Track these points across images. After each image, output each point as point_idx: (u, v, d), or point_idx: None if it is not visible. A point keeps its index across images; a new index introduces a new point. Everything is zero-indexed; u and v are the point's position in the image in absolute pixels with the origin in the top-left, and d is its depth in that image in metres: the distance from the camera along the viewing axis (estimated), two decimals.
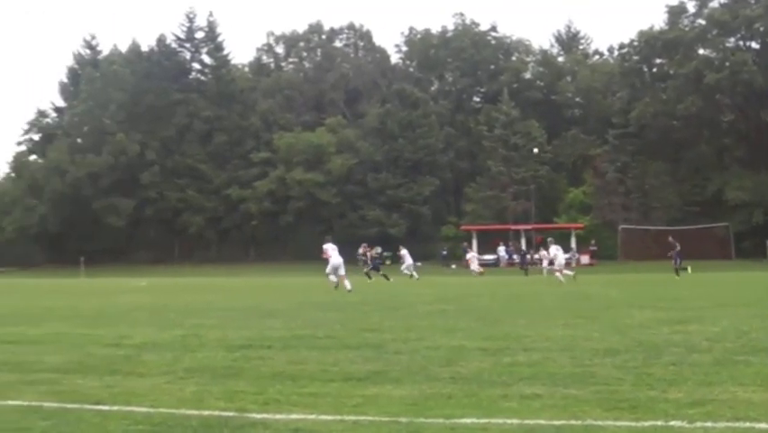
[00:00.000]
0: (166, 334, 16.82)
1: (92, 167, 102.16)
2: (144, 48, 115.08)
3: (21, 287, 52.04)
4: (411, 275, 53.85)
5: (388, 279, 48.50)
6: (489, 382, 10.10)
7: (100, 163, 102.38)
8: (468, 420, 8.03)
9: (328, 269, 37.86)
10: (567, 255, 60.61)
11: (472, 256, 64.33)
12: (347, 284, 35.81)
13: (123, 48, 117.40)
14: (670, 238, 53.79)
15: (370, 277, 48.54)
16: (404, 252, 57.64)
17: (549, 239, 51.10)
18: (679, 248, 51.45)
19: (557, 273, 44.50)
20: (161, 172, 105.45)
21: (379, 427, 7.91)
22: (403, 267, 56.51)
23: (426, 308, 23.85)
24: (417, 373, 10.90)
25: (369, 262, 51.71)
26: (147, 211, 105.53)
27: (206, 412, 8.55)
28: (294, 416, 8.35)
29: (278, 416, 8.35)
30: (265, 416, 8.35)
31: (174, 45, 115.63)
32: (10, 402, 9.35)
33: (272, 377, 10.83)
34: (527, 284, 42.05)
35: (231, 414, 8.46)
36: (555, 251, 46.96)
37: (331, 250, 38.67)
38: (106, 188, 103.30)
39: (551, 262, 49.97)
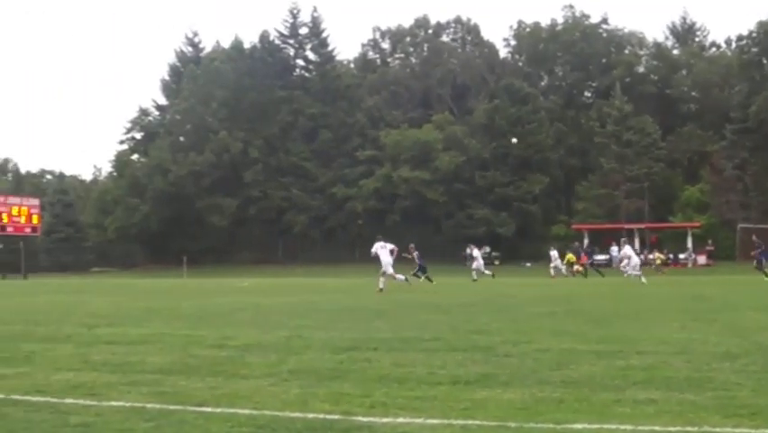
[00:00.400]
0: (270, 335, 16.93)
1: (194, 165, 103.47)
2: (247, 44, 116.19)
3: (123, 287, 52.81)
4: (476, 277, 53.84)
5: (431, 281, 48.17)
6: (602, 386, 9.99)
7: (202, 162, 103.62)
8: (579, 426, 7.95)
9: (384, 267, 38.33)
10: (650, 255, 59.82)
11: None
12: (381, 282, 37.39)
13: (226, 44, 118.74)
14: (753, 237, 52.88)
15: (418, 277, 48.22)
16: (476, 252, 57.46)
17: (623, 239, 51.09)
18: (763, 248, 50.68)
19: (632, 273, 44.73)
20: (265, 171, 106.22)
21: (488, 431, 7.87)
22: (474, 266, 56.22)
23: (535, 309, 23.68)
24: (527, 377, 10.82)
25: (416, 261, 51.30)
26: (250, 210, 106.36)
27: (311, 415, 8.57)
28: (400, 420, 8.33)
29: (384, 419, 8.35)
30: (371, 419, 8.36)
31: (277, 41, 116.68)
32: (113, 403, 9.47)
33: (378, 380, 10.83)
34: (634, 286, 41.44)
35: (336, 417, 8.48)
36: (628, 251, 46.96)
37: (380, 249, 39.25)
38: (209, 186, 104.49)
39: (621, 261, 49.88)
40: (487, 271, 55.48)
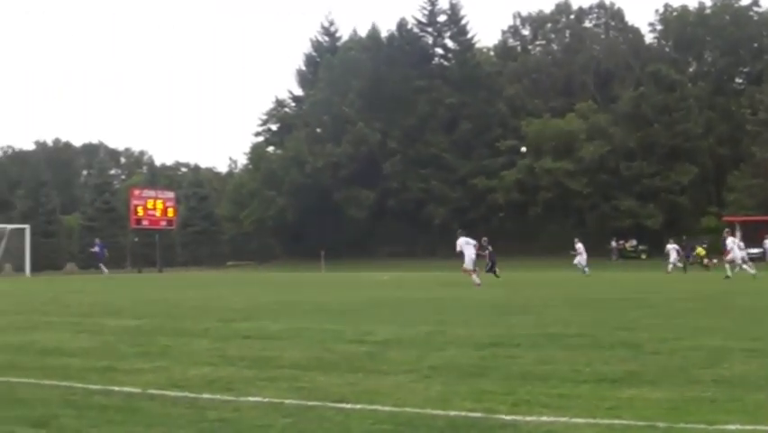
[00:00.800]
0: (410, 330, 16.99)
1: (331, 157, 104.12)
2: (384, 33, 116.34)
3: (259, 281, 53.51)
4: (583, 270, 53.25)
5: (497, 276, 47.61)
6: (756, 386, 9.82)
7: (340, 153, 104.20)
8: (732, 427, 7.84)
9: (466, 264, 39.16)
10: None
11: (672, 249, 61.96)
12: (476, 278, 38.66)
13: (363, 33, 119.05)
14: None
15: (496, 275, 47.58)
16: (579, 245, 56.43)
17: (726, 230, 50.28)
18: None
19: (738, 267, 44.54)
20: (403, 162, 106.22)
21: (635, 431, 7.80)
22: (575, 261, 55.37)
23: (684, 305, 23.37)
24: (676, 375, 10.70)
25: (488, 258, 50.47)
26: (389, 202, 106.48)
27: (453, 413, 8.59)
28: (544, 418, 8.31)
29: (528, 418, 8.33)
30: (514, 418, 8.34)
31: (415, 29, 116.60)
32: (250, 399, 9.63)
33: (521, 377, 10.81)
34: None
35: (478, 415, 8.48)
36: (731, 244, 46.41)
37: (465, 244, 39.85)
38: (346, 178, 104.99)
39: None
40: (586, 269, 54.17)
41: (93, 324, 19.94)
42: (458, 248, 39.89)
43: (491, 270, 48.01)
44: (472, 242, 40.31)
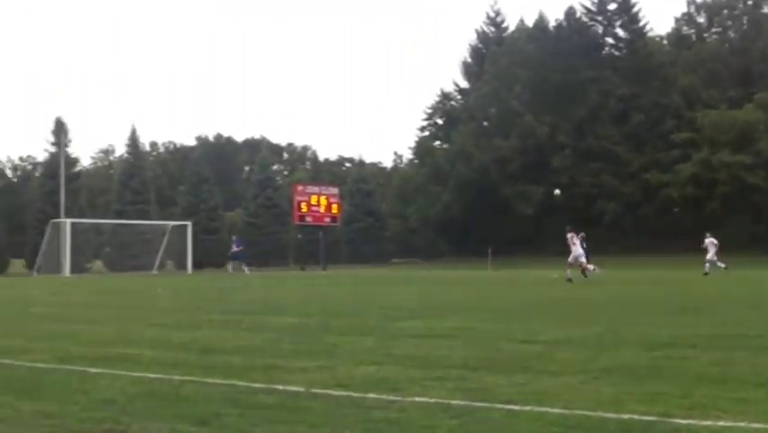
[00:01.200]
0: (581, 330, 16.89)
1: (499, 151, 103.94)
2: (552, 22, 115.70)
3: (424, 278, 53.71)
4: (707, 270, 51.26)
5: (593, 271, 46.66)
6: None
7: (507, 147, 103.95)
8: None
9: (570, 258, 41.53)
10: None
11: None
12: (591, 267, 41.58)
13: (530, 23, 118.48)
14: None
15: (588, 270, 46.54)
16: (708, 240, 53.84)
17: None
18: None
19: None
20: (573, 156, 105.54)
21: None
22: (708, 257, 53.04)
23: None
24: None
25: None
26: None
27: (625, 416, 8.48)
28: (722, 423, 8.15)
29: (705, 422, 8.18)
30: (690, 422, 8.20)
31: (584, 18, 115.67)
32: (416, 399, 9.64)
33: (697, 379, 10.64)
34: None
35: (652, 418, 8.36)
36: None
37: (576, 239, 42.11)
38: (514, 173, 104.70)
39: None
40: (720, 264, 52.09)
41: (255, 321, 20.32)
42: (574, 243, 42.04)
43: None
44: (581, 235, 43.04)
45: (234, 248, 70.21)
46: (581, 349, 13.75)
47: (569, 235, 42.79)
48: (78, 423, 8.72)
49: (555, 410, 8.84)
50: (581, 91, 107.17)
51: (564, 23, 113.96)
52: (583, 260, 41.10)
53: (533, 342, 14.95)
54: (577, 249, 41.68)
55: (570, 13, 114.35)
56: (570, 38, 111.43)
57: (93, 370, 12.30)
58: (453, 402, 9.37)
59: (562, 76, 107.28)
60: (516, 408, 9.01)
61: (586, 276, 43.35)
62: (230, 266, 70.63)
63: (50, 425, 8.62)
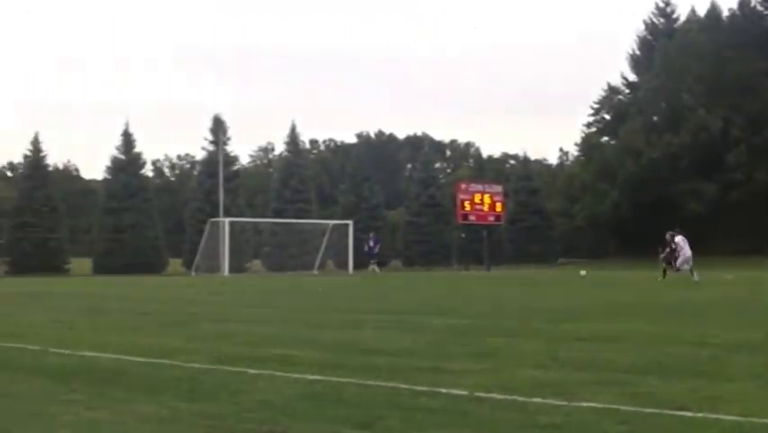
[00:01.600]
0: (756, 333, 16.55)
1: (670, 147, 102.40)
2: (725, 12, 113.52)
3: (591, 280, 53.27)
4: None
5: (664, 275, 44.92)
6: None
7: (678, 143, 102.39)
8: None
9: (679, 261, 42.26)
10: None
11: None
12: (696, 275, 41.42)
13: (702, 13, 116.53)
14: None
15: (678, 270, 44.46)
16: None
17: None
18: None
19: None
20: (748, 151, 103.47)
21: None
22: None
23: None
24: None
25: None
26: (732, 195, 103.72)
27: None
28: None
29: None
30: None
31: (759, 8, 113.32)
32: (584, 403, 9.55)
33: None
34: None
35: None
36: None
37: (683, 242, 42.87)
38: (685, 170, 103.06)
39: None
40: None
41: (418, 322, 20.37)
42: (680, 246, 42.82)
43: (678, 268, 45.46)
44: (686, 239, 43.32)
45: (371, 245, 70.27)
46: (758, 353, 13.49)
47: (677, 239, 42.36)
48: (238, 423, 8.85)
49: (730, 417, 8.65)
50: (757, 83, 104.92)
51: (738, 13, 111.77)
52: (691, 263, 41.63)
53: (706, 345, 14.71)
54: (686, 251, 41.80)
55: (743, 2, 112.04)
56: (744, 28, 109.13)
57: (251, 371, 12.46)
58: (622, 408, 9.25)
59: (736, 68, 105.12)
60: (689, 414, 8.85)
61: (665, 277, 44.10)
62: (374, 267, 70.39)
63: (209, 425, 8.77)
